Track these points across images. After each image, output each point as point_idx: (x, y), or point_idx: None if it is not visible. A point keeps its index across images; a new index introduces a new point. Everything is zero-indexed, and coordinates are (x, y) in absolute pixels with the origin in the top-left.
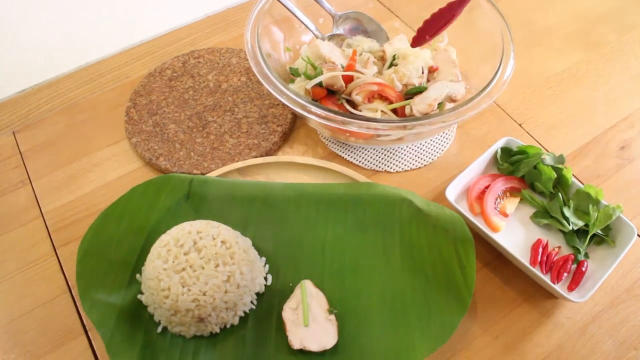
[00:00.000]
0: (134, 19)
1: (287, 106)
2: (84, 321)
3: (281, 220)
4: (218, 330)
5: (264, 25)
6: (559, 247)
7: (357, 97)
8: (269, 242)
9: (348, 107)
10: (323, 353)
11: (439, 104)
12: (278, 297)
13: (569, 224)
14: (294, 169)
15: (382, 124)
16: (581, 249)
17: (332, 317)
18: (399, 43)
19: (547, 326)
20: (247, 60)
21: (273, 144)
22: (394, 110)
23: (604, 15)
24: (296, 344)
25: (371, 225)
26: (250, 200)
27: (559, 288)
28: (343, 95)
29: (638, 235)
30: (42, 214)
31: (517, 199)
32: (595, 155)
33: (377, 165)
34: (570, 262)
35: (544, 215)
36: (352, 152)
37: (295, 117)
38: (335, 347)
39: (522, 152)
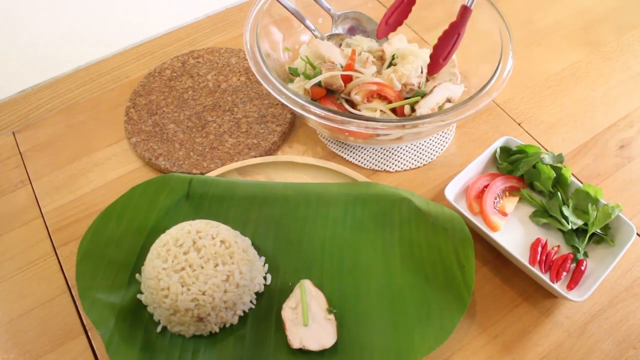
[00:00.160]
0: (133, 19)
1: (287, 106)
2: (84, 321)
3: (280, 219)
4: (217, 330)
5: (263, 25)
6: (558, 246)
7: (356, 97)
8: (268, 242)
9: (347, 106)
10: (322, 352)
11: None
12: (277, 296)
13: (568, 223)
14: (293, 169)
15: (381, 123)
16: (580, 248)
17: (332, 316)
18: (398, 43)
19: (546, 325)
20: (247, 60)
21: (272, 143)
22: (393, 110)
23: (603, 14)
24: (295, 344)
25: (370, 224)
26: (250, 199)
27: (558, 287)
28: (342, 95)
29: (637, 234)
30: (42, 214)
31: (516, 198)
32: (595, 155)
33: (376, 165)
34: (569, 261)
35: (543, 215)
36: (351, 151)
37: (295, 116)
38: (334, 347)
39: (521, 151)
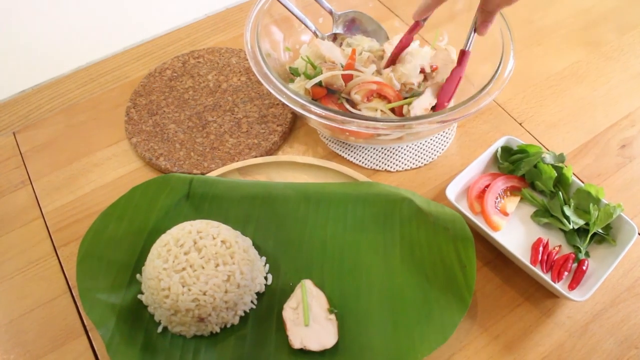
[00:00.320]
0: (134, 19)
1: (287, 106)
2: (85, 321)
3: (281, 219)
4: (218, 330)
5: (264, 25)
6: (560, 246)
7: (356, 96)
8: (269, 242)
9: (348, 106)
10: (323, 352)
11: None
12: (278, 296)
13: (570, 223)
14: (294, 169)
15: (381, 123)
16: (582, 248)
17: (333, 316)
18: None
19: (547, 325)
20: (247, 60)
21: (273, 143)
22: (393, 110)
23: (604, 14)
24: (296, 344)
25: (371, 224)
26: (251, 199)
27: (560, 287)
28: (343, 95)
29: (639, 234)
30: (43, 214)
31: (518, 198)
32: (596, 154)
33: (377, 165)
34: (570, 261)
35: (545, 214)
36: (352, 151)
37: (295, 116)
38: (335, 347)
39: (522, 151)
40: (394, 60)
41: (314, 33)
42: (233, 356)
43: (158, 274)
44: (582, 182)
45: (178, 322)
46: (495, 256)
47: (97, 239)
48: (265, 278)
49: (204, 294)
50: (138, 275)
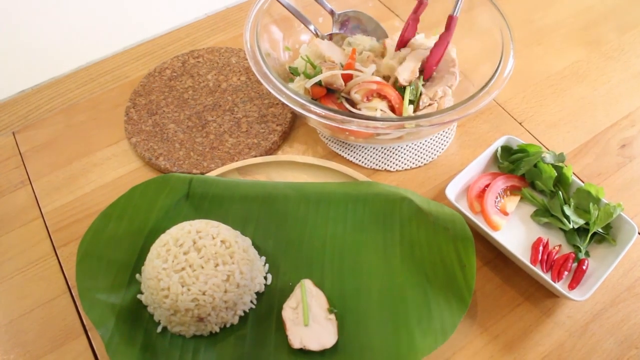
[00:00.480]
0: (133, 19)
1: (287, 105)
2: (84, 321)
3: (281, 219)
4: (218, 330)
5: (263, 25)
6: (560, 246)
7: (356, 96)
8: (268, 242)
9: (348, 106)
10: (323, 352)
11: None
12: (278, 296)
13: (570, 223)
14: (293, 168)
15: (381, 122)
16: (582, 248)
17: (332, 316)
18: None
19: (547, 325)
20: (247, 59)
21: (273, 143)
22: (393, 109)
23: (604, 13)
24: (296, 343)
25: (371, 224)
26: (250, 199)
27: (560, 287)
28: (342, 94)
29: (639, 233)
30: (42, 214)
31: (518, 198)
32: (596, 154)
33: (377, 164)
34: (570, 261)
35: (545, 214)
36: (351, 151)
37: (295, 116)
38: (335, 347)
39: (522, 150)
40: (402, 46)
41: (314, 33)
42: (232, 356)
43: (157, 274)
44: (582, 182)
45: (177, 322)
46: (495, 256)
47: (96, 239)
48: (265, 278)
49: (204, 293)
50: (137, 275)
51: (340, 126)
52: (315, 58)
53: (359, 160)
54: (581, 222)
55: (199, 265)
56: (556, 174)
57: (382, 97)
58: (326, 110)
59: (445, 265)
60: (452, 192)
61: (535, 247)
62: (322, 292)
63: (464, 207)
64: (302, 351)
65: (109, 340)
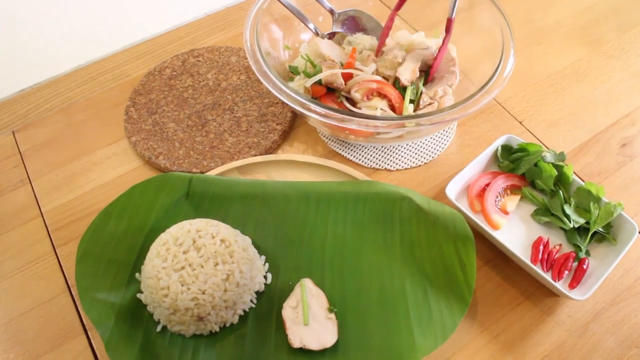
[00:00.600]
0: (133, 18)
1: (287, 104)
2: (84, 320)
3: (281, 218)
4: (218, 329)
5: (263, 24)
6: (560, 245)
7: (356, 95)
8: (268, 241)
9: (348, 104)
10: (323, 352)
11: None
12: (278, 295)
13: (570, 222)
14: (293, 168)
15: (381, 121)
16: (582, 247)
17: (332, 315)
18: (401, 37)
19: (548, 324)
20: (247, 58)
21: (273, 142)
22: (393, 108)
23: (604, 13)
24: (296, 343)
25: (371, 223)
26: (250, 198)
27: (560, 286)
28: (342, 93)
29: (639, 232)
30: (42, 213)
31: (518, 197)
32: (596, 153)
33: (377, 164)
34: (571, 260)
35: (545, 213)
36: (351, 150)
37: (295, 115)
38: (335, 346)
39: (522, 149)
40: (380, 46)
41: (314, 31)
42: (232, 355)
43: (157, 273)
44: (583, 181)
45: (177, 321)
46: (495, 255)
47: (96, 238)
48: (265, 277)
49: (203, 293)
50: (137, 274)
51: (341, 125)
52: (315, 57)
53: (359, 160)
54: (581, 221)
55: (199, 265)
56: (556, 173)
57: (382, 96)
58: (326, 109)
59: (445, 264)
60: (453, 191)
61: (535, 246)
62: (322, 291)
63: (464, 206)
64: (302, 350)
65: (108, 339)
